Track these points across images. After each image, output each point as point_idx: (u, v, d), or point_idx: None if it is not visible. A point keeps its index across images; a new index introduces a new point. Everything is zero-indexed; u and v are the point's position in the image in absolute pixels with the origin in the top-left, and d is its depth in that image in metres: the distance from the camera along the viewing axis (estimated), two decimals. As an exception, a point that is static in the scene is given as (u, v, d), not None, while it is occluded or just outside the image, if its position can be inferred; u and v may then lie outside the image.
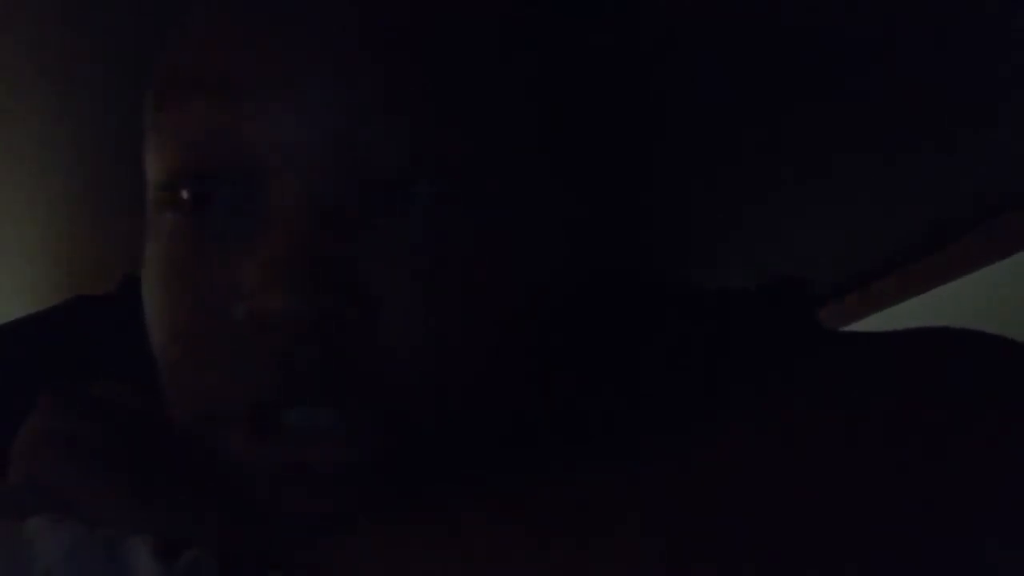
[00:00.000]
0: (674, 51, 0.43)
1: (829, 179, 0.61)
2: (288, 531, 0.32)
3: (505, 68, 0.33)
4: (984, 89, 0.52)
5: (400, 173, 0.30)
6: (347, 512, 0.32)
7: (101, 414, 0.34)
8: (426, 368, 0.30)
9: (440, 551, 0.30)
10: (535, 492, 0.31)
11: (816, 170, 0.59)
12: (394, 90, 0.30)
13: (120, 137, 0.56)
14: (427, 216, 0.30)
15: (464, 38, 0.32)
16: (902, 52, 0.48)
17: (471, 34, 0.32)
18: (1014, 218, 0.65)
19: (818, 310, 0.39)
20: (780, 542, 0.26)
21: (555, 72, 0.36)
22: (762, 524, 0.27)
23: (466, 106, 0.31)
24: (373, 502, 0.32)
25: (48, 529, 0.29)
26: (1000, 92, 0.52)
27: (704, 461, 0.29)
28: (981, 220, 0.67)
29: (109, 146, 0.57)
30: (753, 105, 0.51)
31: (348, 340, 0.29)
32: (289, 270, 0.29)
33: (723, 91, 0.48)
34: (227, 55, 0.31)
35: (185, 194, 0.32)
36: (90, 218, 0.66)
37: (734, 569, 0.26)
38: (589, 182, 0.37)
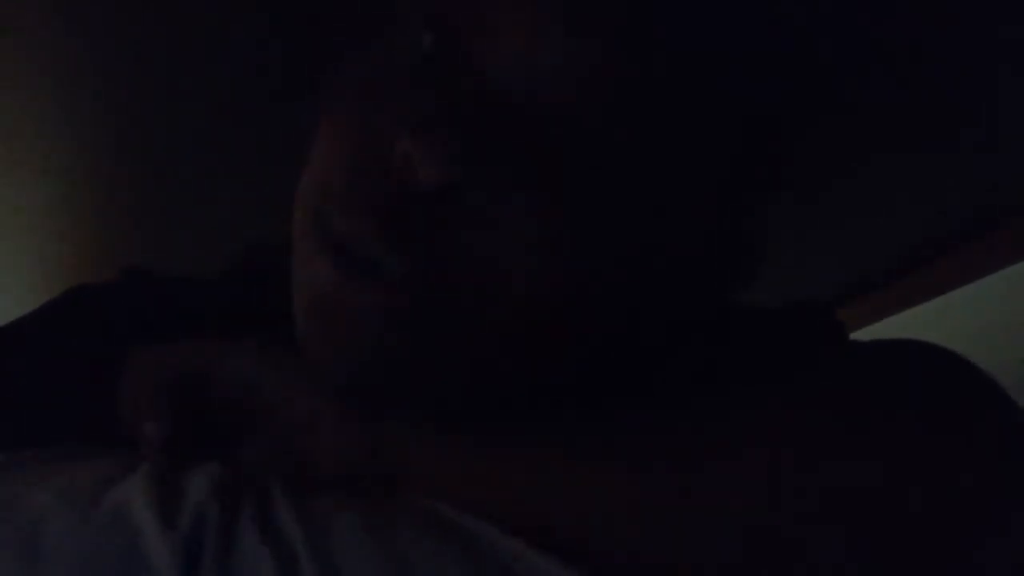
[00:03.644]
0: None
1: (836, 187, 0.61)
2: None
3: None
4: (988, 95, 0.52)
5: (588, 96, 0.30)
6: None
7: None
8: (503, 302, 0.30)
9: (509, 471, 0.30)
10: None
11: (824, 179, 0.59)
12: (605, 18, 0.30)
13: (120, 137, 0.57)
14: (586, 150, 0.30)
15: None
16: (907, 61, 0.48)
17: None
18: (1018, 225, 0.66)
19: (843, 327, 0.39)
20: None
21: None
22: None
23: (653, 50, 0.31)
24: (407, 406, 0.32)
25: (54, 503, 0.29)
26: (1005, 98, 0.52)
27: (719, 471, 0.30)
28: (987, 227, 0.67)
29: (109, 146, 0.58)
30: (756, 110, 0.51)
31: (459, 225, 0.30)
32: (448, 130, 0.29)
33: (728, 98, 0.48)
34: None
35: (425, 39, 0.32)
36: (90, 218, 0.66)
37: None
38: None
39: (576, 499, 0.30)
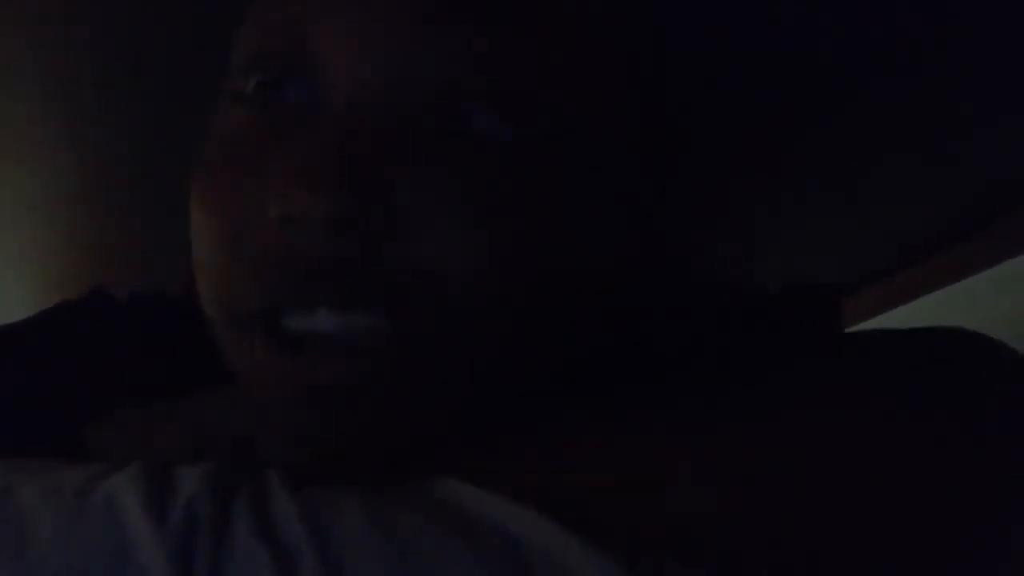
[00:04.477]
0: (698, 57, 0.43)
1: (840, 180, 0.61)
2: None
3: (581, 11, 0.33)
4: (988, 91, 0.52)
5: (454, 93, 0.30)
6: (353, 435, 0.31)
7: None
8: (440, 294, 0.30)
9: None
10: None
11: (827, 172, 0.59)
12: (459, 9, 0.30)
13: (120, 137, 0.56)
14: (474, 143, 0.30)
15: None
16: (907, 60, 0.48)
17: None
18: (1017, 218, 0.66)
19: (840, 312, 0.39)
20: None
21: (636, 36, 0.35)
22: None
23: (536, 38, 0.31)
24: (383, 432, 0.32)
25: (42, 501, 0.28)
26: (1003, 93, 0.52)
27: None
28: (986, 221, 0.67)
29: (109, 146, 0.57)
30: (764, 108, 0.51)
31: (366, 250, 0.29)
32: (322, 170, 0.29)
33: (739, 95, 0.48)
34: None
35: (251, 88, 0.32)
36: (90, 218, 0.66)
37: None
38: (654, 160, 0.36)
39: (577, 491, 0.30)
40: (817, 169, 0.59)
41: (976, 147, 0.57)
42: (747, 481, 0.28)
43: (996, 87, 0.51)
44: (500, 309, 0.31)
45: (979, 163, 0.59)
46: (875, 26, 0.46)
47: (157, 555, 0.26)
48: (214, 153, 0.33)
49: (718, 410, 0.30)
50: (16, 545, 0.27)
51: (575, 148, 0.32)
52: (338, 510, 0.28)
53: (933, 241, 0.71)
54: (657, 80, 0.36)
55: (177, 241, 0.35)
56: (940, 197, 0.64)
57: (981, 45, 0.47)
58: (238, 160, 0.32)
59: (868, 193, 0.63)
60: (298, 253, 0.29)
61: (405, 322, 0.30)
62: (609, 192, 0.34)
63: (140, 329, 0.42)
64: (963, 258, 0.71)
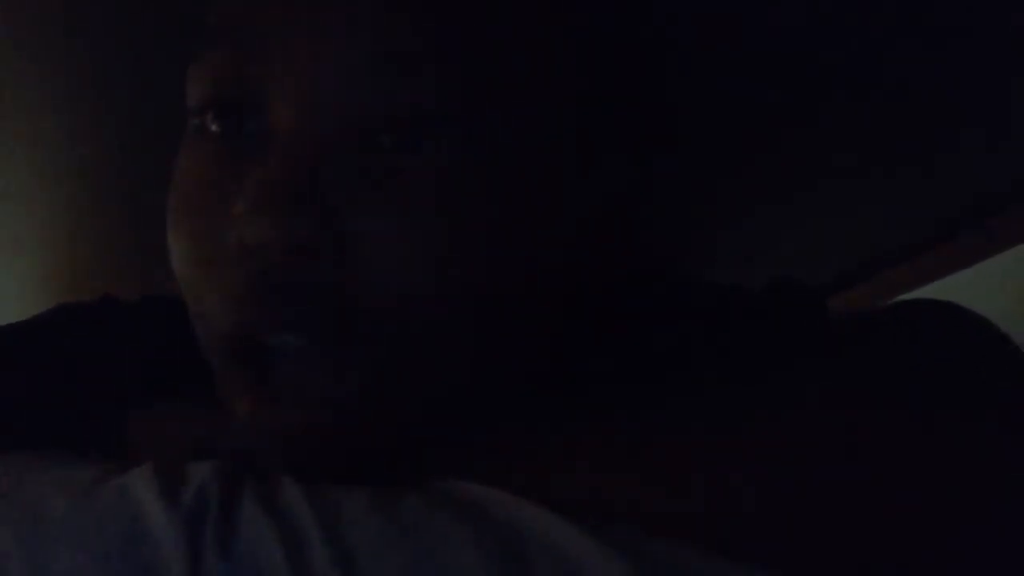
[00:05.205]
0: (693, 50, 0.43)
1: (838, 177, 0.61)
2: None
3: (528, 32, 0.33)
4: (987, 88, 0.52)
5: (403, 120, 0.31)
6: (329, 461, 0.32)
7: None
8: (400, 313, 0.31)
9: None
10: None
11: (825, 169, 0.59)
12: (404, 40, 0.31)
13: (120, 137, 0.56)
14: (425, 164, 0.31)
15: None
16: (906, 57, 0.48)
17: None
18: (1015, 213, 0.66)
19: (827, 310, 0.39)
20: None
21: (586, 51, 0.36)
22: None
23: (480, 63, 0.31)
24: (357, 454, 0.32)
25: (57, 487, 0.29)
26: (1002, 91, 0.52)
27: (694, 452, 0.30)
28: (985, 214, 0.67)
29: (109, 146, 0.57)
30: (765, 106, 0.51)
31: (323, 273, 0.30)
32: (273, 199, 0.30)
33: (739, 94, 0.48)
34: (251, 6, 0.32)
35: (211, 123, 0.33)
36: (90, 218, 0.66)
37: None
38: (618, 165, 0.36)
39: (577, 491, 0.30)
40: (813, 168, 0.59)
41: (974, 147, 0.57)
42: (747, 481, 0.28)
43: (995, 87, 0.51)
44: (468, 321, 0.32)
45: (977, 163, 0.60)
46: (874, 24, 0.46)
47: (169, 531, 0.27)
48: (180, 182, 0.34)
49: (718, 410, 0.31)
50: (30, 523, 0.28)
51: (536, 161, 0.33)
52: (344, 495, 0.29)
53: (932, 239, 0.71)
54: (634, 85, 0.36)
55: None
56: (938, 196, 0.64)
57: (980, 45, 0.47)
58: (200, 191, 0.33)
59: (864, 191, 0.63)
60: (260, 280, 0.30)
61: (371, 342, 0.31)
62: (581, 198, 0.35)
63: (143, 331, 0.42)
64: (961, 256, 0.72)
